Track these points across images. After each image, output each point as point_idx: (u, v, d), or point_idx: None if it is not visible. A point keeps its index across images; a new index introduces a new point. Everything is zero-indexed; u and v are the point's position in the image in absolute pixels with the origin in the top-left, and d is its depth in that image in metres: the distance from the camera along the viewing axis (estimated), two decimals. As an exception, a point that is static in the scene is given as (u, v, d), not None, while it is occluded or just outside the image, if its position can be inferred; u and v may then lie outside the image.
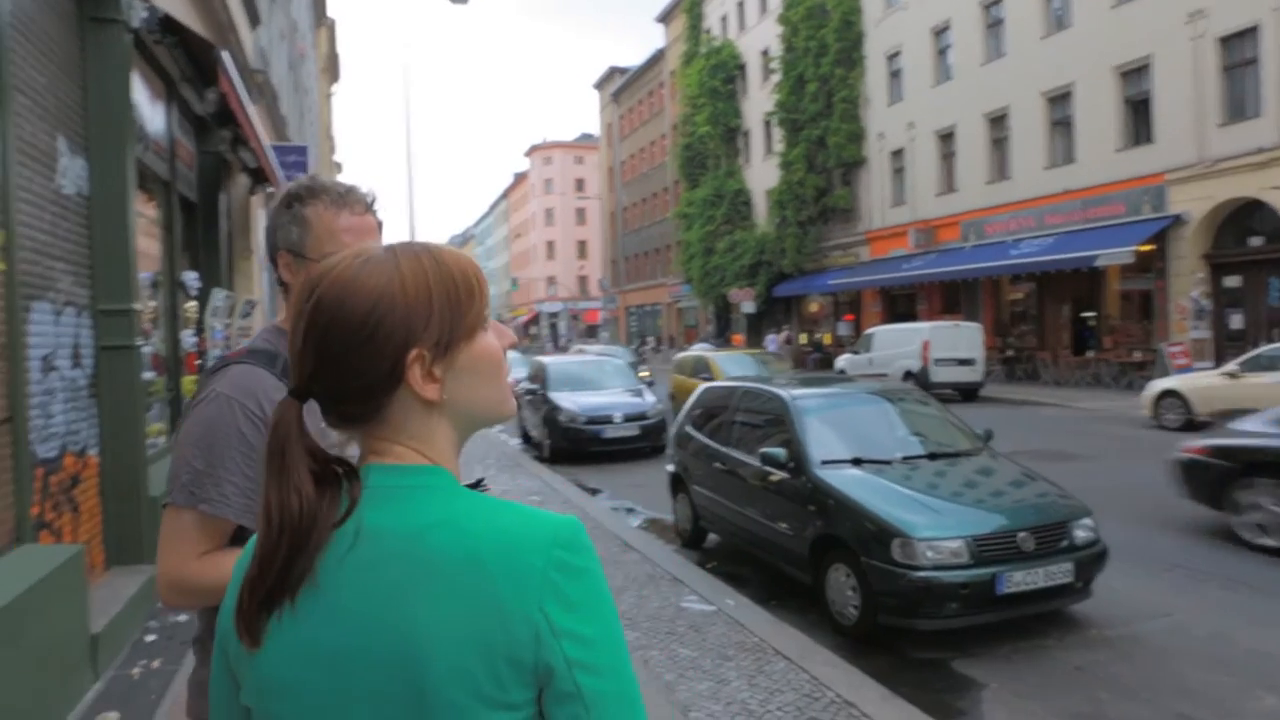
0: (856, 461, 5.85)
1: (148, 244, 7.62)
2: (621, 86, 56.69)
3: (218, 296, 6.47)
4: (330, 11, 45.42)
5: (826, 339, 33.65)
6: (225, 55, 6.22)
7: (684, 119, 42.54)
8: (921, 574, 4.88)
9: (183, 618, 5.40)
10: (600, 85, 62.15)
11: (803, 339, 35.25)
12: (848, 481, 5.58)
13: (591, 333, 65.08)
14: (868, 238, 30.94)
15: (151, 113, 7.26)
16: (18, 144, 4.34)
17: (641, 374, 18.63)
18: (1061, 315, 23.76)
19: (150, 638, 5.03)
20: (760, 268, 35.41)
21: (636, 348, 23.14)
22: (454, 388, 0.97)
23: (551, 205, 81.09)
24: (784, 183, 33.55)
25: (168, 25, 5.88)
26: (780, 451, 6.05)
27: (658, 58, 50.33)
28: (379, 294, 0.93)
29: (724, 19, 40.86)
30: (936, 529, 5.02)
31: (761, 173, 37.34)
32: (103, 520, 5.40)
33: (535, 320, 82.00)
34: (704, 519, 7.38)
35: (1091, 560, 5.28)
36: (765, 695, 4.21)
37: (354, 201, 1.65)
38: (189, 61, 6.48)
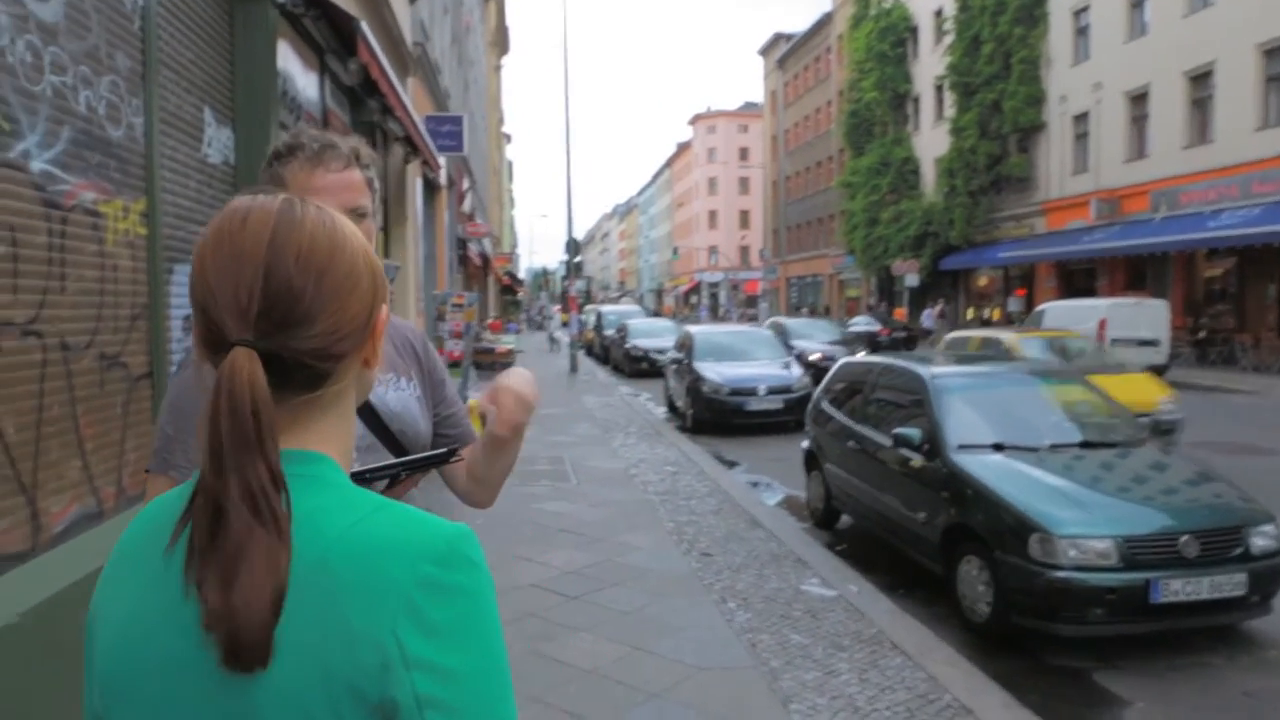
0: (998, 447, 5.40)
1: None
2: (786, 52, 55.35)
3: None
4: (500, -15, 46.56)
5: (995, 314, 31.84)
6: (364, 26, 6.35)
7: (850, 85, 41.08)
8: (1061, 574, 4.44)
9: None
10: (765, 52, 60.92)
11: (969, 314, 33.52)
12: (985, 468, 5.16)
13: (751, 303, 64.46)
14: (1044, 208, 28.93)
15: (304, 83, 7.57)
16: (162, 115, 4.57)
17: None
18: (1266, 295, 21.41)
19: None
20: (926, 239, 33.86)
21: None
22: (378, 354, 0.90)
23: (714, 174, 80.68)
24: (954, 150, 31.84)
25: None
26: (915, 433, 5.67)
27: (824, 22, 48.74)
28: (357, 243, 0.85)
29: (895, -23, 38.98)
30: (1082, 526, 4.55)
31: (930, 140, 35.59)
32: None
33: (696, 289, 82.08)
34: (836, 499, 7.08)
35: (1272, 572, 4.66)
36: (875, 692, 3.95)
37: (330, 159, 1.53)
38: (333, 34, 6.67)
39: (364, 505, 0.80)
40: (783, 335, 17.36)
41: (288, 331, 0.79)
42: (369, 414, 1.60)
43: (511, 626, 4.73)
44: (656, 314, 45.34)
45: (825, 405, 7.53)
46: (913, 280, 32.95)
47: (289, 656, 0.72)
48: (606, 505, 7.65)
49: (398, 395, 1.67)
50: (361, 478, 1.42)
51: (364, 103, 8.93)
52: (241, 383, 0.76)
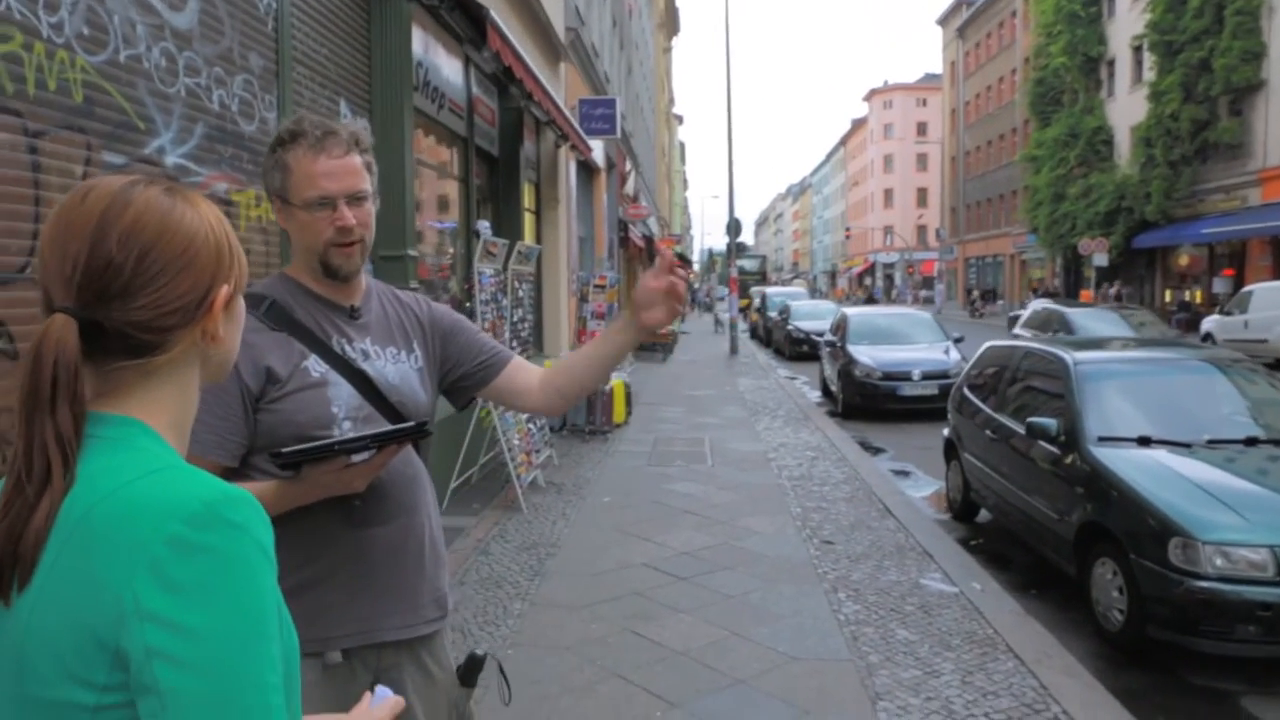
0: (1144, 441, 4.94)
1: (446, 196, 8.34)
2: (967, 20, 52.47)
3: (487, 242, 6.90)
4: (669, -33, 46.63)
5: (1196, 297, 29.10)
6: (493, 15, 6.53)
7: (1037, 51, 38.42)
8: (1204, 584, 4.01)
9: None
10: (944, 20, 57.99)
11: (1167, 296, 30.78)
12: (1126, 463, 4.73)
13: (927, 285, 61.96)
14: (1260, 178, 26.05)
15: (448, 73, 7.88)
16: (295, 108, 4.88)
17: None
18: None
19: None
20: (1118, 215, 31.30)
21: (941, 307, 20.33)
22: (226, 331, 0.95)
23: (890, 151, 77.95)
24: (1153, 116, 29.16)
25: (444, -11, 6.30)
26: (1051, 423, 5.27)
27: (1010, -16, 45.81)
28: (197, 224, 0.91)
29: (1090, -68, 36.10)
30: (1233, 532, 4.10)
31: (1126, 106, 32.81)
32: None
33: (870, 271, 79.73)
34: (974, 491, 6.70)
35: None
36: (976, 696, 3.73)
37: (331, 145, 1.60)
38: (469, 23, 6.90)
39: (146, 467, 0.83)
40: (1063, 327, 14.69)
41: (109, 303, 0.85)
42: (366, 386, 1.65)
43: (613, 604, 4.80)
44: (823, 295, 44.35)
45: (965, 391, 7.14)
46: (1101, 260, 30.57)
47: (46, 600, 0.79)
48: (736, 488, 7.59)
49: (397, 368, 1.72)
50: (330, 449, 1.47)
51: (508, 89, 9.20)
52: (48, 347, 0.83)
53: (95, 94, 3.37)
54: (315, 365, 1.60)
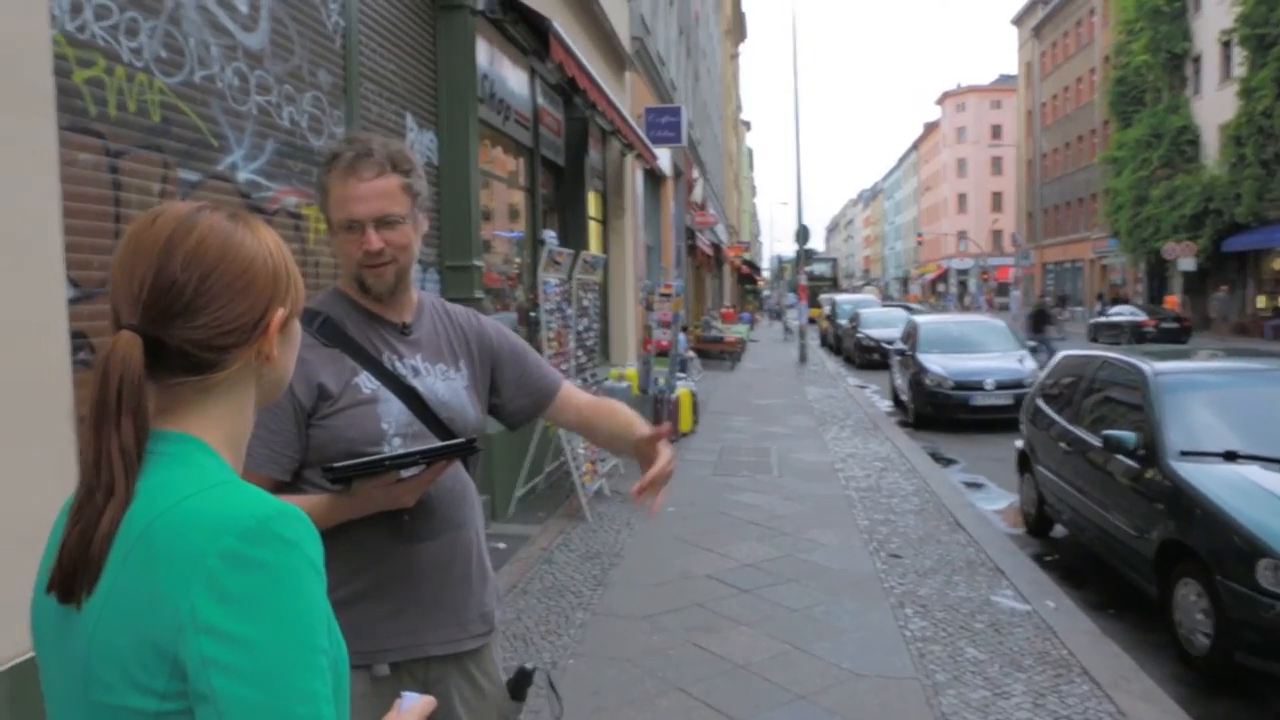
0: (1231, 456, 4.71)
1: (513, 206, 8.44)
2: (1044, 19, 51.16)
3: (552, 251, 6.96)
4: (737, -25, 46.55)
5: (1292, 302, 27.80)
6: (556, 26, 6.59)
7: (1117, 49, 37.23)
8: (1296, 606, 3.81)
9: (501, 544, 5.98)
10: (1019, 20, 56.65)
11: (1260, 302, 29.45)
12: (1211, 478, 4.52)
13: (1003, 291, 60.46)
14: (1361, 176, 24.78)
15: (514, 84, 7.99)
16: (363, 123, 5.00)
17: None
18: None
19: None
20: (1206, 218, 30.07)
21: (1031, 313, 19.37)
22: (281, 352, 0.99)
23: (964, 155, 76.39)
24: (1244, 114, 27.93)
25: (508, 3, 6.38)
26: (1129, 435, 5.07)
27: (1089, -19, 44.55)
28: (256, 249, 0.95)
29: (1174, -76, 34.85)
30: (1327, 551, 3.87)
31: (1214, 104, 31.54)
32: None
33: (943, 277, 78.20)
34: (1049, 505, 6.49)
35: None
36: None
37: (363, 169, 1.61)
38: (533, 35, 6.98)
39: (202, 483, 0.87)
40: None
41: (172, 321, 0.89)
42: (416, 403, 1.66)
43: (675, 615, 4.77)
44: (893, 301, 43.53)
45: (1039, 401, 6.92)
46: (1187, 264, 29.46)
47: (111, 609, 0.82)
48: (802, 499, 7.49)
49: (447, 384, 1.73)
50: (381, 465, 1.49)
51: (573, 99, 9.28)
52: (115, 362, 0.88)
53: (172, 114, 3.49)
54: (366, 382, 1.63)
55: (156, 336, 0.89)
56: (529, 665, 1.77)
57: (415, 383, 1.67)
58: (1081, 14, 45.85)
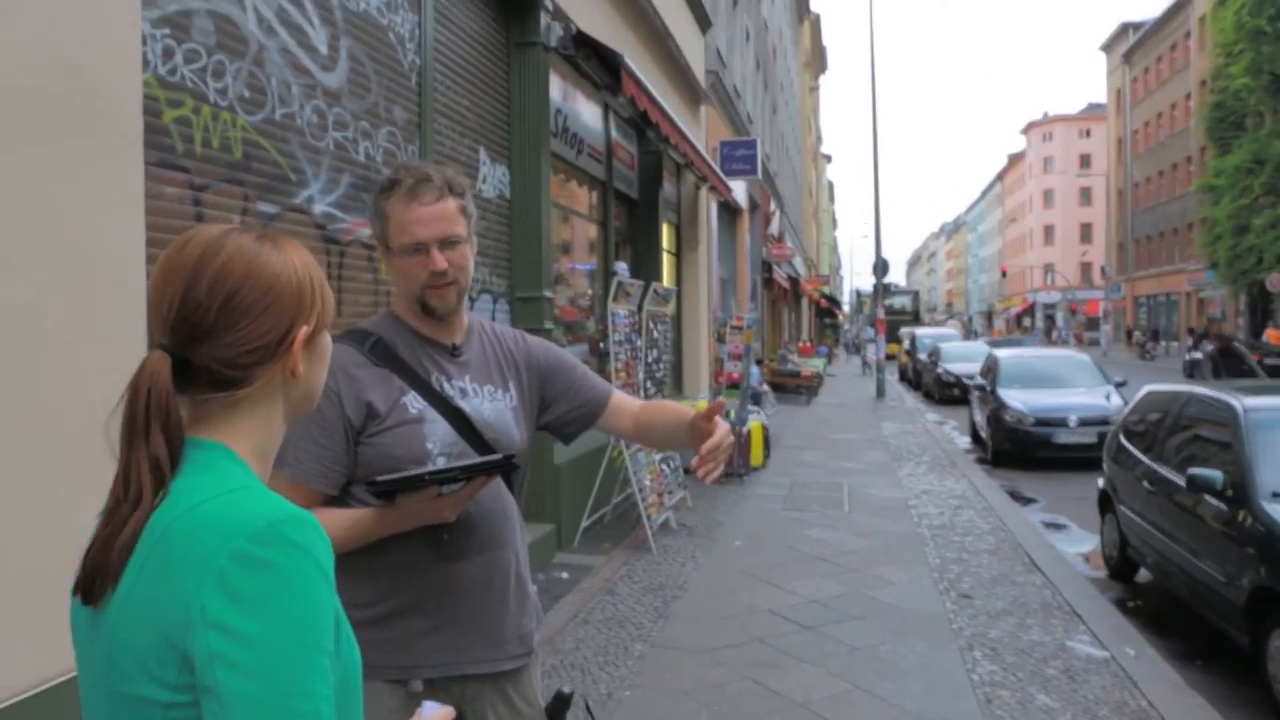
0: (1328, 498, 4.45)
1: (586, 238, 8.56)
2: (1134, 44, 49.78)
3: (622, 283, 7.02)
4: (815, 4, 46.59)
5: None
6: (627, 61, 6.70)
7: (1215, 73, 35.89)
8: (1400, 661, 3.56)
9: (564, 574, 6.01)
10: (1109, 46, 55.24)
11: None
12: (1306, 523, 4.27)
13: (1092, 325, 58.51)
14: None
15: (588, 118, 8.14)
16: (436, 157, 5.15)
17: None
18: None
19: (532, 587, 5.65)
20: (1313, 248, 28.66)
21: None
22: (307, 368, 1.03)
23: (1050, 186, 74.52)
24: (1352, 140, 26.66)
25: (581, 40, 6.52)
26: (1216, 475, 4.84)
27: (1181, 4, 43.21)
28: (281, 269, 0.99)
29: (1275, -55, 33.62)
30: None
31: (1321, 130, 30.13)
32: (512, 481, 6.20)
33: (1029, 311, 76.09)
34: (1131, 547, 6.22)
35: None
36: (1124, 773, 3.42)
37: (423, 193, 1.67)
38: (605, 70, 7.11)
39: (222, 487, 0.91)
40: None
41: (198, 341, 0.95)
42: (462, 423, 1.70)
43: (736, 650, 4.71)
44: (979, 337, 42.38)
45: (1123, 439, 6.65)
46: (1293, 297, 28.02)
47: (132, 606, 0.87)
48: (872, 536, 7.34)
49: (493, 405, 1.76)
50: (421, 479, 1.53)
51: (646, 133, 9.39)
52: (143, 380, 0.93)
53: (253, 149, 3.67)
54: (414, 401, 1.67)
55: (184, 356, 0.94)
56: (566, 689, 1.77)
57: (462, 404, 1.71)
58: (1176, 38, 44.48)
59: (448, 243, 1.68)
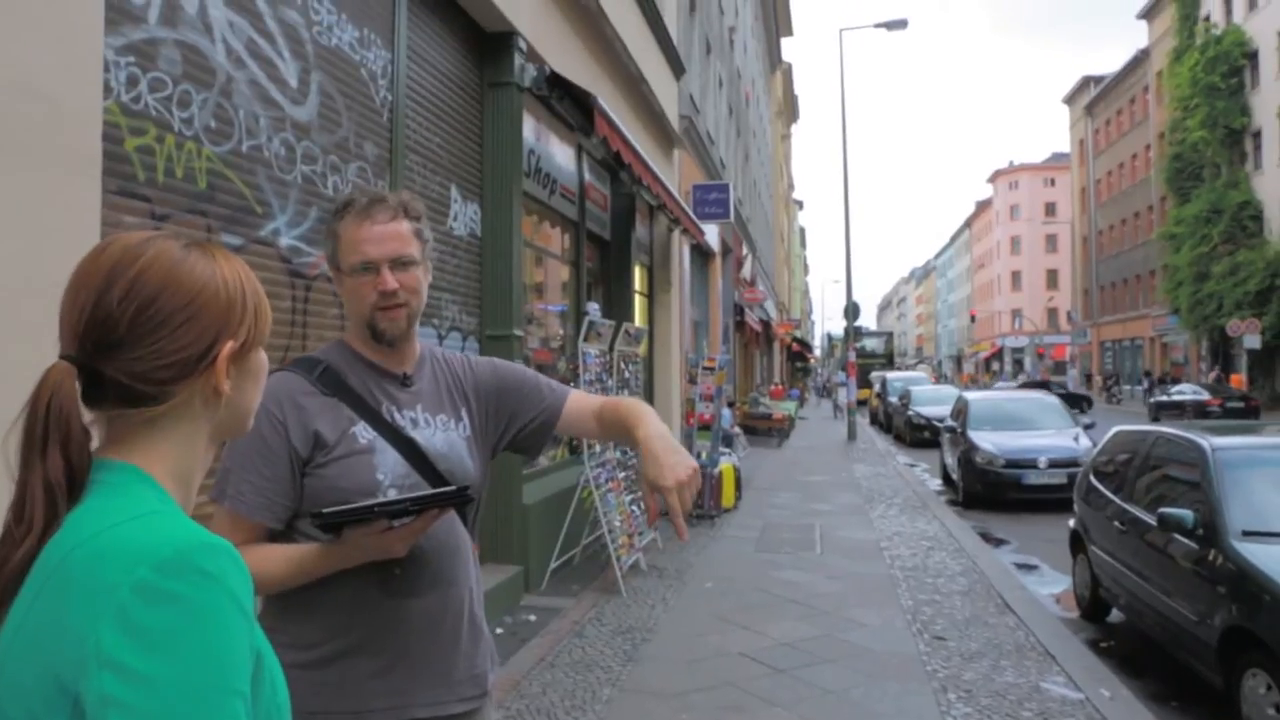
0: (1297, 536, 4.46)
1: (558, 278, 8.54)
2: (1096, 97, 51.22)
3: (594, 323, 6.99)
4: (787, 55, 47.51)
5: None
6: (600, 102, 6.74)
7: (1173, 125, 37.06)
8: (1372, 700, 3.54)
9: (532, 616, 5.88)
10: (1071, 99, 56.77)
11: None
12: (1277, 560, 4.28)
13: (1059, 369, 59.31)
14: None
15: (561, 159, 8.17)
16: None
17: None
18: None
19: (499, 630, 5.54)
20: (1271, 293, 29.38)
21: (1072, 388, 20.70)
22: (236, 386, 0.95)
23: (1017, 233, 75.97)
24: (1306, 190, 27.48)
25: (554, 81, 6.56)
26: (1186, 514, 4.85)
27: (1139, 60, 44.62)
28: (205, 279, 0.92)
29: (1227, 1, 34.90)
30: (1404, 641, 3.62)
31: (1276, 179, 31.08)
32: (481, 520, 6.09)
33: (998, 355, 77.05)
34: (1104, 587, 6.20)
35: None
36: (1102, 818, 3.35)
37: (377, 212, 1.63)
38: (578, 111, 7.15)
39: (131, 512, 0.83)
40: None
41: (106, 353, 0.87)
42: (414, 453, 1.64)
43: (706, 694, 4.61)
44: (949, 381, 42.61)
45: (1093, 479, 6.68)
46: (1253, 341, 28.62)
47: (20, 642, 0.78)
48: (845, 578, 7.27)
49: (445, 436, 1.70)
50: (370, 511, 1.45)
51: (620, 174, 9.44)
52: (43, 392, 0.85)
53: (218, 180, 3.61)
54: (363, 431, 1.61)
55: (93, 367, 0.87)
56: None
57: (414, 434, 1.65)
58: (1134, 92, 45.82)
59: (399, 263, 1.62)
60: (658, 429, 1.65)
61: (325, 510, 1.43)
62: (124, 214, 3.09)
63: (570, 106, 7.12)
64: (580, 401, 1.86)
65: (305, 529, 1.56)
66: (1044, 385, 33.04)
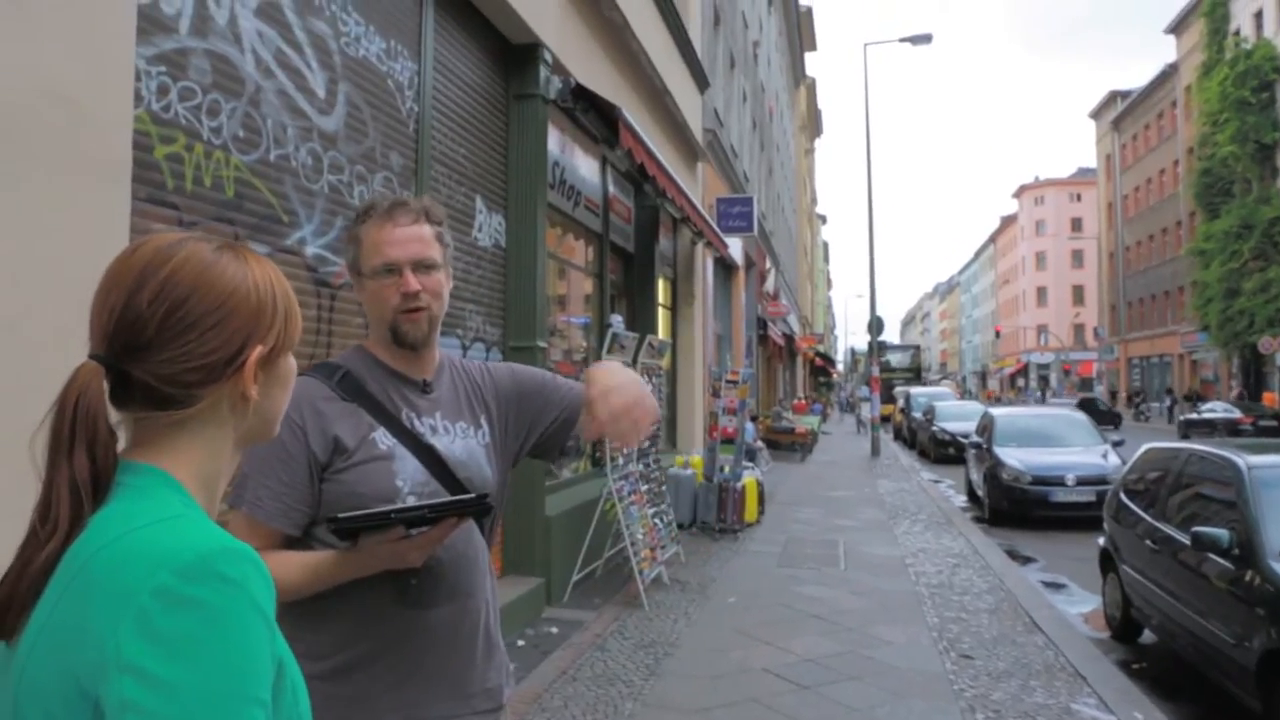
0: (1337, 557, 4.35)
1: (581, 290, 8.54)
2: (1123, 112, 50.79)
3: (618, 335, 6.97)
4: (811, 70, 47.49)
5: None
6: (625, 114, 6.74)
7: (1201, 140, 36.64)
8: None
9: (554, 629, 5.84)
10: (1098, 114, 56.36)
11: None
12: (1315, 582, 4.17)
13: (1086, 386, 58.68)
14: None
15: (586, 172, 8.18)
16: (432, 203, 5.13)
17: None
18: None
19: (520, 643, 5.50)
20: (1305, 311, 28.89)
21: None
22: (264, 392, 0.94)
23: (1043, 248, 75.40)
24: (1340, 206, 27.05)
25: (579, 93, 6.57)
26: (1222, 534, 4.74)
27: (1167, 75, 44.23)
28: (237, 282, 0.91)
29: (1257, 15, 34.55)
30: None
31: (1308, 196, 30.59)
32: (502, 532, 6.07)
33: (1023, 371, 76.35)
34: (1135, 607, 6.08)
35: None
36: (1136, 844, 3.26)
37: (399, 215, 1.62)
38: (603, 123, 7.16)
39: (155, 516, 0.82)
40: None
41: (135, 354, 0.86)
42: (433, 461, 1.62)
43: (729, 710, 4.55)
44: (973, 397, 42.02)
45: (1124, 497, 6.56)
46: (1286, 360, 28.16)
47: (43, 644, 0.78)
48: (869, 594, 7.18)
49: (464, 444, 1.68)
50: (387, 517, 1.43)
51: (644, 187, 9.45)
52: (71, 392, 0.85)
53: (245, 189, 3.63)
54: (383, 438, 1.58)
55: (122, 369, 0.86)
56: None
57: (433, 441, 1.63)
58: (1162, 106, 45.41)
59: (422, 266, 1.61)
60: (603, 363, 1.72)
61: (341, 515, 1.41)
62: (153, 221, 3.11)
63: (595, 119, 7.13)
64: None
65: (322, 536, 1.53)
66: (1091, 402, 33.05)
